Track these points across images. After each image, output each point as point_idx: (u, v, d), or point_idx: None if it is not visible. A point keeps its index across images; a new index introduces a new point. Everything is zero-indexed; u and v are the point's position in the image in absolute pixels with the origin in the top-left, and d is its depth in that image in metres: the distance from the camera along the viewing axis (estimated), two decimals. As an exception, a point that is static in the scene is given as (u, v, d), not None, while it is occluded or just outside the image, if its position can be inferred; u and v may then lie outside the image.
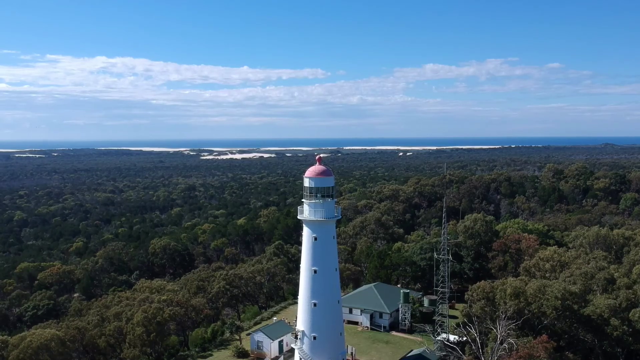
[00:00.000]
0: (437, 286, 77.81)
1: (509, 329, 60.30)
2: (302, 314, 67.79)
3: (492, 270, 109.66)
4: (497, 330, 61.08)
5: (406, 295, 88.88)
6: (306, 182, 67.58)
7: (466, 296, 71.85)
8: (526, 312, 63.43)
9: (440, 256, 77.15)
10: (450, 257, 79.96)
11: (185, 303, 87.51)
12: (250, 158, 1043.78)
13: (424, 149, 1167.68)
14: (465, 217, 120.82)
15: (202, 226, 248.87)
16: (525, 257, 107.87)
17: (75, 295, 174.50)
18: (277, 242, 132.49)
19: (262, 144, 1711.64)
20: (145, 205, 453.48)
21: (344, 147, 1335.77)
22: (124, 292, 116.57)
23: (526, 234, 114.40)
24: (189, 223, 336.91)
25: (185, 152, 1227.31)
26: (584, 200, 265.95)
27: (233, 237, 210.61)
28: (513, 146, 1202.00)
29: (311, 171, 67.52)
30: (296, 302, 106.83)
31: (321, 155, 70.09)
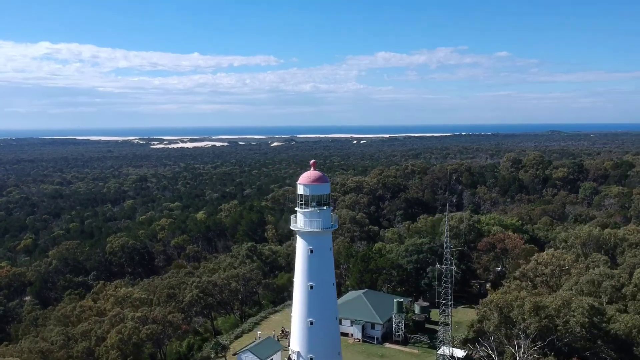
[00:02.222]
0: (439, 298, 73.52)
1: (532, 350, 56.36)
2: (297, 333, 62.15)
3: (478, 271, 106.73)
4: (515, 350, 57.05)
5: (400, 304, 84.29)
6: (300, 190, 61.73)
7: (477, 312, 67.58)
8: (548, 329, 59.08)
9: (442, 266, 72.81)
10: (455, 267, 75.89)
11: (162, 319, 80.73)
12: (202, 147, 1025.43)
13: (377, 137, 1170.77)
14: (450, 215, 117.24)
15: (160, 221, 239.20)
16: (512, 257, 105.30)
17: (27, 299, 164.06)
18: (249, 244, 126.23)
19: (213, 132, 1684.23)
20: (95, 197, 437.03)
21: (298, 135, 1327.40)
22: (86, 301, 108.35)
23: (511, 232, 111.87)
24: (144, 217, 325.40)
25: (135, 141, 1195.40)
26: (544, 190, 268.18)
27: (194, 233, 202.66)
28: (464, 134, 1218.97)
29: (306, 177, 61.67)
30: (277, 311, 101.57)
31: (314, 161, 64.24)
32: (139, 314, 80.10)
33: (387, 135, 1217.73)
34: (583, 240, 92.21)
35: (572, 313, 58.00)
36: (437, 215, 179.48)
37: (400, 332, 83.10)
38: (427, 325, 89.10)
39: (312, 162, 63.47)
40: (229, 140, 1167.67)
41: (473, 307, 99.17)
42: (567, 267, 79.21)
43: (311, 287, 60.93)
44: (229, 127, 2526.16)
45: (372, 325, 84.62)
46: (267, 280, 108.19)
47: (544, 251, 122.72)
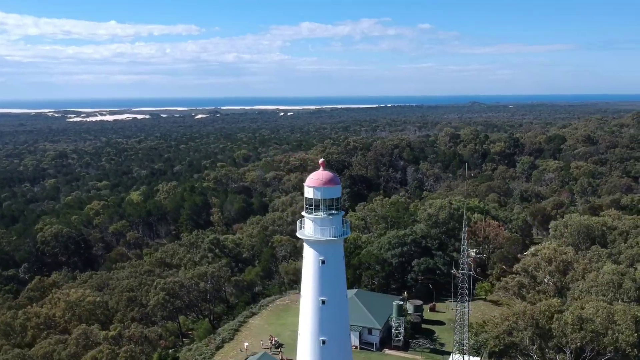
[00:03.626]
0: (457, 303, 68.40)
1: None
2: (306, 353, 55.24)
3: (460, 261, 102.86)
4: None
5: (400, 307, 78.70)
6: (309, 193, 54.15)
7: (504, 323, 62.57)
8: (592, 343, 54.89)
9: (459, 272, 67.61)
10: (473, 272, 70.90)
11: (139, 337, 71.56)
12: (123, 120, 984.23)
13: (304, 109, 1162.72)
14: (428, 203, 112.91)
15: (92, 204, 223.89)
16: (495, 246, 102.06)
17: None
18: (212, 237, 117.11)
19: (134, 103, 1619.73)
20: (12, 176, 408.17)
21: (222, 107, 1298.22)
22: (30, 306, 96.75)
23: (493, 220, 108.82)
24: (70, 198, 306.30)
25: (49, 114, 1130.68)
26: (483, 165, 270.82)
27: (134, 218, 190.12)
28: (389, 105, 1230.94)
29: (315, 179, 54.06)
30: (255, 314, 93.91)
31: (322, 160, 56.77)
32: (112, 333, 70.70)
33: (314, 107, 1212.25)
34: (574, 229, 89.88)
35: (617, 327, 53.65)
36: (393, 197, 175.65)
37: (400, 337, 77.89)
38: (422, 326, 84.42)
39: (320, 161, 55.94)
40: (150, 113, 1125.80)
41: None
42: (570, 262, 76.29)
43: (323, 302, 54.06)
44: (150, 98, 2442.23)
45: (370, 331, 78.78)
46: (236, 277, 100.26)
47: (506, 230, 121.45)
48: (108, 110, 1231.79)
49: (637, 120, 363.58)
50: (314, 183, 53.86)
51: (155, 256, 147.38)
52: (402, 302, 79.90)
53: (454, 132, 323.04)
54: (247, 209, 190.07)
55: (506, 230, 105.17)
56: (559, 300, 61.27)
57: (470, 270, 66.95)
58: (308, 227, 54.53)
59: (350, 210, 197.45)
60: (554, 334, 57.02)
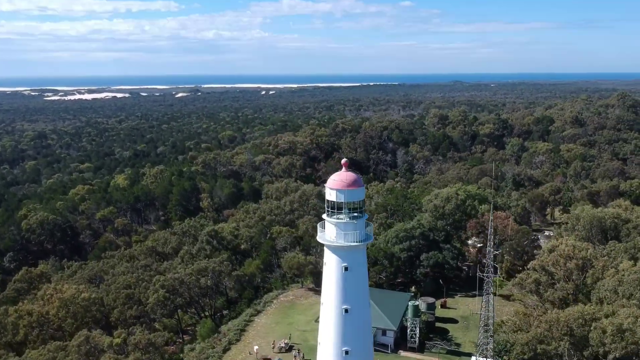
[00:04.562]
0: (481, 307, 65.80)
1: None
2: (328, 364, 52.47)
3: (468, 254, 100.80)
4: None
5: (416, 308, 76.02)
6: (332, 196, 50.78)
7: (536, 330, 60.08)
8: (633, 355, 52.66)
9: (485, 274, 64.92)
10: (498, 274, 68.53)
11: (147, 345, 68.00)
12: (102, 99, 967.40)
13: (286, 87, 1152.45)
14: (433, 193, 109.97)
15: (77, 189, 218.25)
16: (503, 238, 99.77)
17: None
18: (209, 229, 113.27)
19: (112, 82, 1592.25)
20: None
21: (203, 85, 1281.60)
22: (21, 303, 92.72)
23: (499, 211, 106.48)
24: (52, 181, 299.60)
25: (26, 92, 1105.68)
26: (472, 147, 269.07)
27: (121, 204, 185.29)
28: (371, 84, 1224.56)
29: (338, 181, 50.66)
30: (260, 312, 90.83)
31: (345, 160, 53.48)
32: (117, 341, 67.18)
33: (296, 85, 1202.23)
34: (587, 222, 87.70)
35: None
36: (388, 182, 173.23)
37: (416, 338, 75.43)
38: (436, 324, 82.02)
39: (343, 161, 52.47)
40: (130, 91, 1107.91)
41: (469, 295, 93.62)
42: (590, 259, 74.20)
43: (346, 310, 51.18)
44: (129, 76, 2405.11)
45: (384, 332, 76.27)
46: (237, 272, 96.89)
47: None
48: (86, 88, 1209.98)
49: (622, 101, 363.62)
50: (337, 185, 50.54)
51: (146, 245, 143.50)
52: (417, 302, 77.37)
53: (443, 113, 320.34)
54: (237, 194, 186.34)
55: (517, 223, 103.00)
56: (592, 307, 59.06)
57: (496, 274, 64.43)
58: (330, 232, 51.34)
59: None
60: (591, 343, 54.89)
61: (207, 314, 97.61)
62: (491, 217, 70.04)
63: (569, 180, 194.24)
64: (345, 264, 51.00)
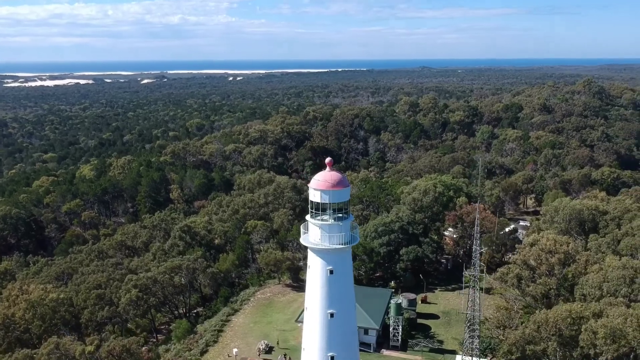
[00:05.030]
0: (467, 307, 64.47)
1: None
2: (313, 370, 50.57)
3: (446, 247, 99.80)
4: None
5: (398, 306, 74.49)
6: (315, 196, 48.59)
7: (525, 331, 58.88)
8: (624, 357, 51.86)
9: (471, 273, 63.59)
10: (485, 274, 67.24)
11: (121, 352, 64.73)
12: (64, 85, 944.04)
13: (253, 73, 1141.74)
14: (411, 185, 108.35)
15: (40, 181, 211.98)
16: (482, 229, 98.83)
17: None
18: (182, 224, 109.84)
19: (75, 67, 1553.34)
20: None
21: (169, 71, 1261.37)
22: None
23: (477, 204, 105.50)
24: (14, 171, 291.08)
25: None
26: (443, 134, 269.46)
27: (89, 196, 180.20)
28: (340, 70, 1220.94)
29: (322, 181, 48.45)
30: (237, 311, 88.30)
31: (330, 159, 51.37)
32: (89, 348, 63.98)
33: (264, 71, 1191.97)
34: (566, 215, 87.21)
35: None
36: (362, 172, 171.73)
37: (398, 337, 74.05)
38: (418, 321, 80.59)
39: (327, 160, 50.20)
40: (93, 77, 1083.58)
41: (449, 289, 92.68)
42: (572, 254, 73.61)
43: (331, 315, 49.31)
44: (92, 62, 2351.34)
45: (366, 331, 74.72)
46: (212, 269, 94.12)
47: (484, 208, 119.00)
48: (48, 74, 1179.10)
49: (588, 87, 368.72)
50: (321, 186, 48.37)
51: (115, 239, 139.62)
52: (399, 300, 75.95)
53: (413, 100, 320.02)
54: (208, 184, 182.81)
55: (491, 213, 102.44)
56: (579, 305, 58.28)
57: (484, 273, 63.23)
58: (314, 234, 49.23)
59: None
60: (581, 344, 54.10)
61: (181, 311, 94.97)
62: (477, 216, 68.71)
63: (540, 168, 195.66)
64: (331, 267, 49.04)
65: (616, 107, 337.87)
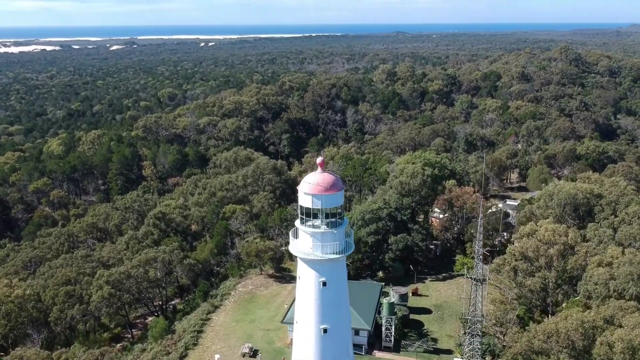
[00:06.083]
0: (467, 315, 60.57)
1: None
2: (305, 389, 46.36)
3: (434, 232, 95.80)
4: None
5: (391, 305, 70.29)
6: (306, 201, 43.59)
7: (527, 336, 55.21)
8: None
9: (473, 276, 59.53)
10: (489, 278, 63.19)
11: None
12: (30, 52, 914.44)
13: (225, 39, 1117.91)
14: (398, 168, 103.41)
15: (6, 156, 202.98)
16: (471, 214, 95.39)
17: None
18: (156, 211, 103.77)
19: (40, 33, 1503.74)
20: None
21: (139, 37, 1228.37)
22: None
23: (466, 187, 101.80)
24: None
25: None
26: (422, 104, 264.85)
27: (57, 175, 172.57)
28: (314, 35, 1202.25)
29: (314, 185, 43.37)
30: (217, 307, 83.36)
31: (321, 159, 46.35)
32: (63, 357, 58.78)
33: (236, 37, 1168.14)
34: (562, 200, 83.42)
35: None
36: (342, 148, 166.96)
37: (391, 337, 70.16)
38: (410, 316, 76.65)
39: (319, 161, 45.00)
40: (60, 44, 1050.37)
41: (439, 279, 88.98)
42: (572, 245, 70.14)
43: (325, 330, 44.95)
44: (58, 27, 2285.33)
45: (357, 332, 70.55)
46: (189, 260, 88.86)
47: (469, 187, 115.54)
48: (12, 40, 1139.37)
49: (565, 54, 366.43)
50: (312, 190, 43.34)
51: (86, 221, 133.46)
52: (392, 299, 71.81)
53: (391, 69, 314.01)
54: (182, 160, 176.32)
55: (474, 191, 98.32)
56: (591, 314, 54.87)
57: (486, 277, 59.28)
58: (305, 243, 44.41)
59: (295, 161, 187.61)
60: (595, 357, 50.69)
61: (157, 304, 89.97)
62: (480, 216, 64.38)
63: (522, 140, 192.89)
64: (323, 279, 44.47)
65: (592, 75, 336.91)
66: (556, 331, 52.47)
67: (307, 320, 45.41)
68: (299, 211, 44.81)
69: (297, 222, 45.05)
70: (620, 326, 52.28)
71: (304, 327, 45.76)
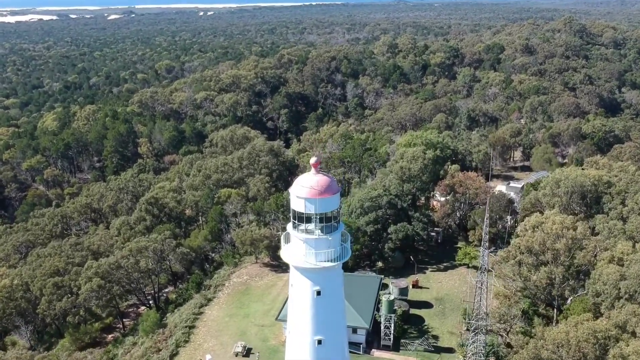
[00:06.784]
0: (471, 320, 57.76)
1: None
2: (298, 401, 43.90)
3: (435, 218, 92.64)
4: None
5: (390, 303, 67.40)
6: (299, 206, 40.45)
7: (533, 343, 52.57)
8: None
9: (477, 280, 56.55)
10: (495, 281, 60.37)
11: None
12: (27, 22, 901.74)
13: (225, 7, 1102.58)
14: (399, 151, 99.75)
15: (0, 131, 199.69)
16: (475, 201, 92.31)
17: None
18: (149, 196, 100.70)
19: (38, 2, 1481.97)
20: None
21: (137, 6, 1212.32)
22: None
23: (469, 172, 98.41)
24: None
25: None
26: (424, 78, 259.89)
27: (51, 152, 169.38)
28: (314, 4, 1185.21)
29: (308, 188, 40.17)
30: (210, 300, 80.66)
31: (316, 160, 43.10)
32: None
33: (235, 6, 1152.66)
34: (569, 187, 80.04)
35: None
36: (342, 126, 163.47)
37: (390, 335, 67.59)
38: (411, 310, 73.97)
39: (313, 161, 41.68)
40: (58, 13, 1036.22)
41: (440, 269, 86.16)
42: (580, 239, 67.24)
43: (319, 342, 42.28)
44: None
45: (355, 330, 68.01)
46: (182, 248, 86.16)
47: (471, 170, 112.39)
48: (9, 10, 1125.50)
49: (569, 25, 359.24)
50: (306, 193, 40.16)
51: (80, 201, 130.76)
52: (391, 297, 69.01)
53: (392, 41, 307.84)
54: (178, 137, 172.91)
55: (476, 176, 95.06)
56: (603, 322, 52.26)
57: (492, 278, 56.45)
58: (298, 250, 41.41)
59: (294, 138, 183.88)
60: None
61: (149, 294, 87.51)
62: (486, 221, 61.12)
63: (526, 116, 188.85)
64: (318, 288, 41.59)
65: (597, 47, 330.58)
66: (567, 342, 49.73)
67: (300, 331, 42.72)
68: (291, 215, 41.73)
69: (289, 227, 42.01)
70: (634, 334, 49.66)
71: (297, 338, 43.09)
